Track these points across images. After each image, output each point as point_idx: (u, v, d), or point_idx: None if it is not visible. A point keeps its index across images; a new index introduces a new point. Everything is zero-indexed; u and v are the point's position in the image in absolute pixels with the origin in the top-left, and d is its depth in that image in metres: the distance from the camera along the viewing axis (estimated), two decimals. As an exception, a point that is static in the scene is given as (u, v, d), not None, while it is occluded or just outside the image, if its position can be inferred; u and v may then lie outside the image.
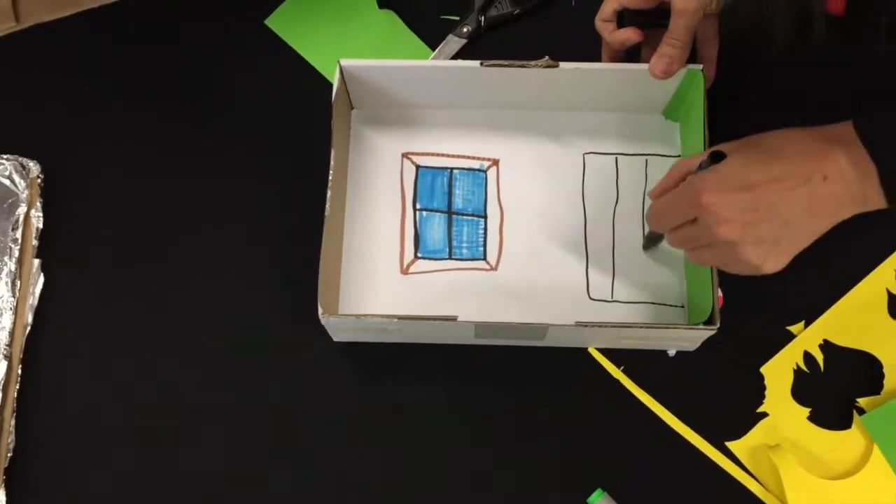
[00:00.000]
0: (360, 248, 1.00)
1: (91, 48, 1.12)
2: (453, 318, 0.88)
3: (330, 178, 0.92)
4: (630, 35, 0.97)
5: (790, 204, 0.77)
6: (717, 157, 0.80)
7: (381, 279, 0.98)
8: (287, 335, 0.97)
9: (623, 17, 0.97)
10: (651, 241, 0.98)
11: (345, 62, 0.96)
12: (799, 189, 0.77)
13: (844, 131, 0.78)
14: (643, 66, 0.94)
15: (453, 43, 1.10)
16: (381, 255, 0.99)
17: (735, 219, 0.77)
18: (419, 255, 1.00)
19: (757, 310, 0.97)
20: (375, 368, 0.96)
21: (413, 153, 1.04)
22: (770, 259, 0.80)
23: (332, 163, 0.93)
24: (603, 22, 0.99)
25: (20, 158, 1.03)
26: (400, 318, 0.88)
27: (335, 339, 0.95)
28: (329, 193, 0.91)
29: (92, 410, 0.96)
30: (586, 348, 0.97)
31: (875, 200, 0.77)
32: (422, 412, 0.95)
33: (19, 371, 0.96)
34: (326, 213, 0.90)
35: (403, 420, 0.95)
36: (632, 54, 1.00)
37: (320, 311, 0.87)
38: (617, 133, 1.04)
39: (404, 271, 0.99)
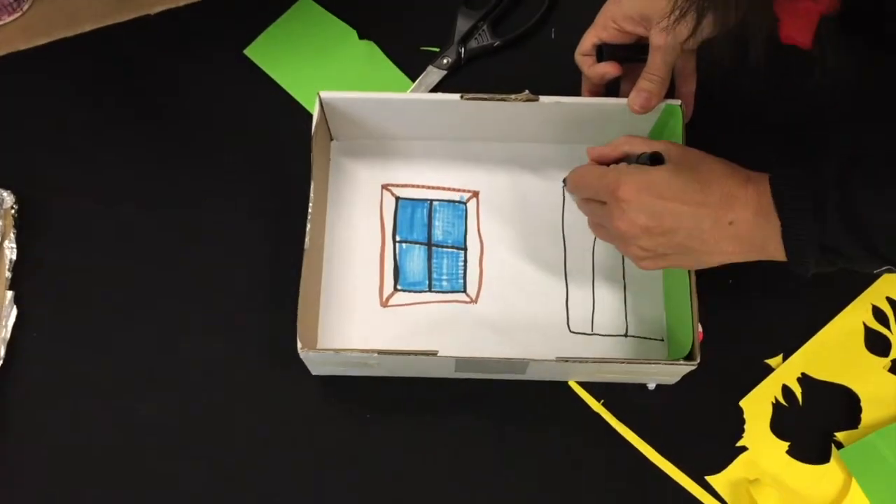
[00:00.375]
0: (339, 280, 0.99)
1: (68, 77, 1.11)
2: (433, 353, 0.88)
3: (310, 211, 0.91)
4: (608, 69, 0.98)
5: (690, 232, 0.82)
6: (655, 158, 0.83)
7: (360, 312, 0.98)
8: (266, 367, 0.96)
9: (602, 52, 0.98)
10: None
11: (324, 94, 0.96)
12: (705, 222, 0.81)
13: (762, 180, 0.80)
14: (622, 101, 0.95)
15: (433, 74, 1.10)
16: (361, 287, 0.99)
17: (637, 221, 0.82)
18: (399, 287, 0.99)
19: (736, 343, 0.97)
20: (354, 401, 0.96)
21: (393, 185, 1.03)
22: (648, 262, 0.87)
23: (311, 195, 0.92)
24: (582, 56, 1.00)
25: (-6, 189, 1.02)
26: (380, 352, 0.88)
27: (314, 372, 0.94)
28: (308, 227, 0.91)
29: (63, 444, 0.95)
30: (567, 381, 0.97)
31: (775, 253, 0.80)
32: (400, 445, 0.94)
33: (-9, 404, 0.95)
34: (305, 247, 0.90)
35: (382, 452, 0.94)
36: (612, 89, 1.01)
37: (299, 345, 0.86)
38: (596, 166, 1.04)
39: (384, 304, 0.98)
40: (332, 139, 1.04)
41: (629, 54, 0.97)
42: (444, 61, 1.10)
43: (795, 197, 0.77)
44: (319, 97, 0.95)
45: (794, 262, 0.79)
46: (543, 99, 0.95)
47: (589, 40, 0.99)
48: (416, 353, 0.89)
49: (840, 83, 0.91)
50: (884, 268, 0.79)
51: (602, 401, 0.96)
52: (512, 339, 0.97)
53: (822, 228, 0.76)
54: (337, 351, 0.89)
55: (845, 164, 0.76)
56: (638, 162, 0.85)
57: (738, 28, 0.75)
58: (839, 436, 0.95)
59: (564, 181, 0.97)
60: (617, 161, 0.90)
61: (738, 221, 0.80)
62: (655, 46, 0.93)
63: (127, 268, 1.01)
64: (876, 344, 0.98)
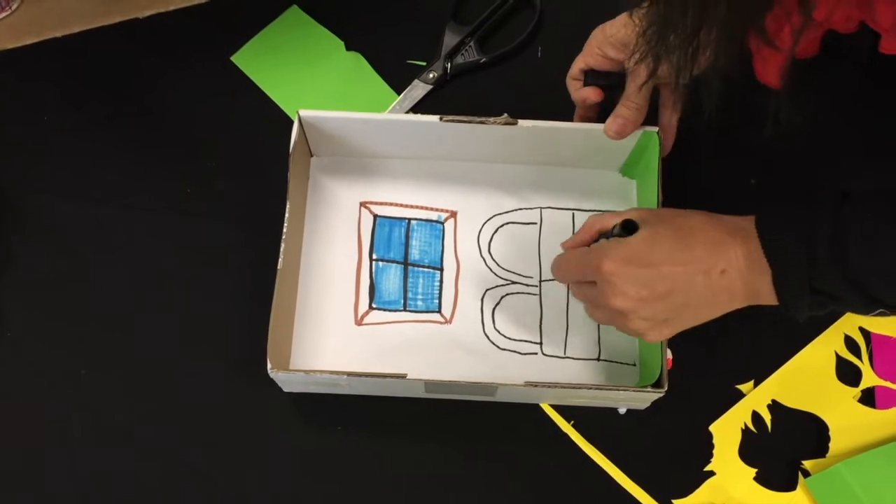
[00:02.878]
0: (314, 297, 0.99)
1: (53, 78, 1.12)
2: (402, 376, 0.89)
3: (284, 230, 0.92)
4: (589, 94, 0.98)
5: (686, 291, 0.80)
6: (628, 226, 0.82)
7: (335, 329, 0.98)
8: (238, 384, 0.97)
9: (587, 77, 0.98)
10: None
11: (304, 113, 0.96)
12: (697, 278, 0.80)
13: (748, 226, 0.79)
14: (599, 126, 0.96)
15: (419, 88, 1.10)
16: (336, 304, 0.99)
17: (630, 293, 0.80)
18: (374, 305, 1.00)
19: (707, 368, 0.98)
20: (325, 420, 0.96)
21: (371, 202, 1.04)
22: (654, 332, 0.84)
23: (286, 215, 0.93)
24: (571, 80, 1.01)
25: (-24, 189, 1.03)
26: (350, 374, 0.88)
27: (285, 389, 0.95)
28: (283, 246, 0.91)
29: (35, 446, 0.95)
30: (538, 403, 0.97)
31: (768, 298, 0.79)
32: (370, 463, 0.95)
33: (-31, 404, 0.95)
34: (279, 266, 0.90)
35: (351, 471, 0.95)
36: (604, 116, 1.00)
37: (269, 366, 0.87)
38: (574, 189, 1.04)
39: (358, 322, 0.99)
40: (311, 155, 1.05)
41: (612, 81, 0.97)
42: (431, 76, 1.10)
43: (786, 244, 0.77)
44: (299, 115, 0.96)
45: (787, 307, 0.79)
46: (522, 123, 0.96)
47: (577, 65, 0.99)
48: (385, 376, 0.89)
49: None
50: (878, 310, 0.78)
51: (572, 422, 0.96)
52: (485, 361, 0.98)
53: (813, 275, 0.75)
54: (307, 372, 0.90)
55: (834, 207, 0.75)
56: (613, 235, 0.84)
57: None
58: (807, 464, 0.95)
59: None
60: (594, 241, 0.89)
61: (729, 270, 0.79)
62: (632, 74, 0.93)
63: (103, 270, 1.02)
64: (847, 373, 0.99)
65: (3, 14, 1.13)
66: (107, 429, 0.96)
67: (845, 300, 0.77)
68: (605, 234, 0.86)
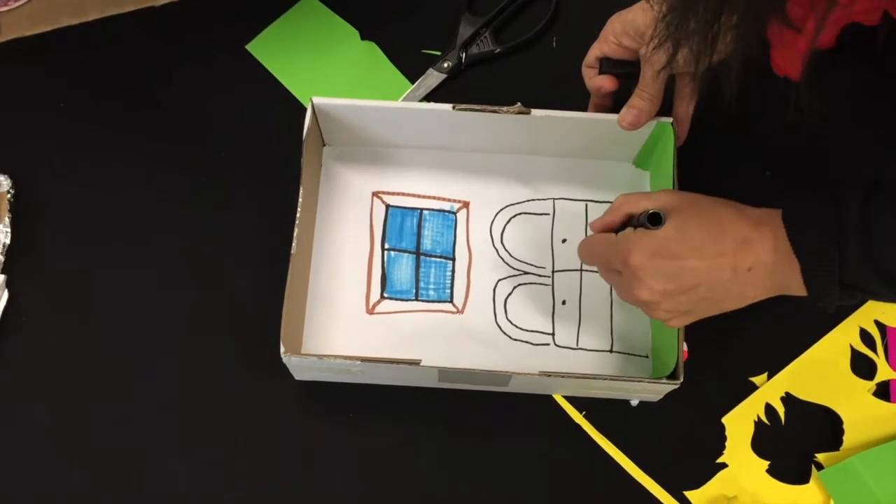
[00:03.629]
0: (326, 285, 0.99)
1: (69, 66, 1.12)
2: (416, 363, 0.88)
3: (297, 216, 0.92)
4: (604, 83, 0.98)
5: (711, 286, 0.80)
6: (654, 219, 0.82)
7: (346, 318, 0.98)
8: (249, 372, 0.97)
9: (602, 65, 0.98)
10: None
11: (317, 100, 0.96)
12: (724, 273, 0.80)
13: (775, 220, 0.79)
14: (613, 117, 0.95)
15: (433, 77, 1.10)
16: (348, 293, 0.99)
17: (655, 287, 0.81)
18: (385, 295, 1.00)
19: (720, 359, 0.98)
20: (337, 408, 0.96)
21: (384, 192, 1.04)
22: (675, 321, 0.86)
23: (300, 200, 0.93)
24: (586, 67, 1.00)
25: (-9, 173, 1.03)
26: (363, 360, 0.88)
27: (297, 377, 0.95)
28: (296, 231, 0.91)
29: (48, 433, 0.96)
30: (550, 394, 0.97)
31: (797, 290, 0.79)
32: (381, 453, 0.95)
33: (-23, 386, 0.96)
34: (293, 252, 0.90)
35: (363, 460, 0.95)
36: (619, 105, 0.99)
37: (282, 350, 0.87)
38: (587, 180, 1.04)
39: (370, 311, 0.99)
40: (324, 144, 1.04)
41: (627, 69, 0.97)
42: (445, 65, 1.10)
43: (815, 239, 0.76)
44: (312, 102, 0.96)
45: (817, 300, 0.78)
46: (535, 112, 0.95)
47: (593, 53, 0.99)
48: (399, 362, 0.89)
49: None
50: None
51: (584, 413, 0.96)
52: (497, 351, 0.97)
53: (844, 269, 0.75)
54: (320, 357, 0.90)
55: (862, 198, 0.74)
56: (639, 223, 0.84)
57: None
58: (820, 457, 0.95)
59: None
60: (622, 224, 0.88)
61: (756, 266, 0.79)
62: (646, 63, 0.93)
63: (118, 257, 1.02)
64: (861, 366, 0.98)
65: (19, 2, 1.13)
66: (119, 415, 0.96)
67: (876, 292, 0.77)
68: (633, 219, 0.86)
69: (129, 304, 1.00)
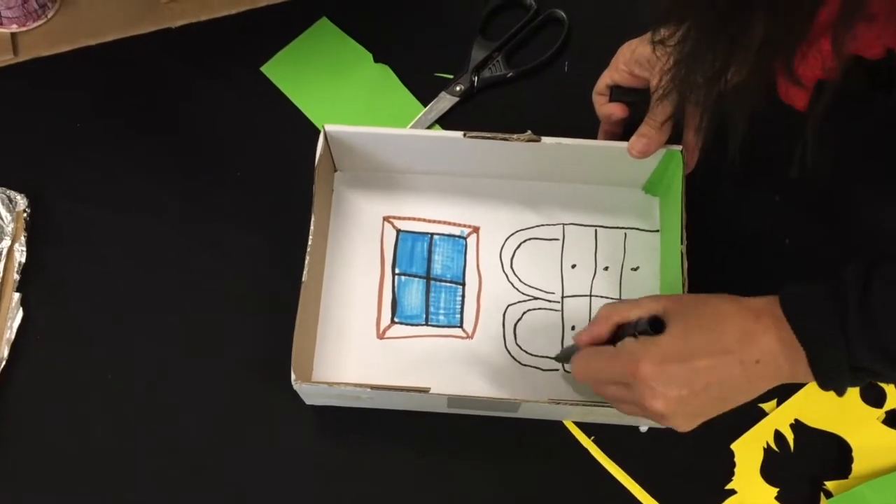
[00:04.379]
0: (337, 310, 1.00)
1: (86, 85, 1.13)
2: (426, 391, 0.89)
3: (309, 244, 0.93)
4: (614, 110, 0.98)
5: (723, 384, 0.79)
6: (655, 324, 0.80)
7: (357, 343, 0.99)
8: (259, 396, 0.97)
9: (613, 92, 0.98)
10: (567, 355, 0.95)
11: (329, 127, 0.97)
12: (734, 369, 0.78)
13: (774, 309, 0.78)
14: (622, 144, 0.96)
15: (445, 101, 1.11)
16: (358, 318, 1.00)
17: (670, 395, 0.78)
18: (396, 319, 1.00)
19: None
20: (347, 433, 0.97)
21: (394, 217, 1.04)
22: (688, 424, 0.83)
23: (311, 228, 0.93)
24: (597, 95, 1.01)
25: (8, 191, 1.04)
26: (373, 387, 0.89)
27: (307, 402, 0.96)
28: (307, 259, 0.92)
29: (62, 448, 0.96)
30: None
31: (804, 377, 0.78)
32: (391, 477, 0.95)
33: (-10, 404, 0.97)
34: (303, 280, 0.91)
35: (372, 484, 0.95)
36: (629, 131, 0.99)
37: (293, 377, 0.88)
38: (597, 205, 1.04)
39: (380, 336, 0.99)
40: (335, 170, 1.05)
41: (637, 97, 0.97)
42: (457, 88, 1.11)
43: (818, 325, 0.76)
44: (324, 130, 0.96)
45: (826, 386, 0.78)
46: (545, 140, 0.96)
47: (603, 81, 1.00)
48: (408, 390, 0.90)
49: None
50: None
51: (593, 437, 0.96)
52: (506, 376, 0.98)
53: (849, 354, 0.74)
54: (331, 384, 0.91)
55: (863, 281, 0.74)
56: (638, 330, 0.82)
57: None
58: (829, 485, 0.95)
59: (556, 357, 0.98)
60: (611, 336, 0.86)
61: (763, 358, 0.78)
62: (657, 101, 0.93)
63: (132, 276, 1.03)
64: (871, 394, 0.98)
65: (39, 22, 1.15)
66: (129, 434, 0.97)
67: (885, 375, 0.76)
68: (626, 327, 0.84)
69: (142, 323, 1.01)
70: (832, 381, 0.77)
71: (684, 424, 0.82)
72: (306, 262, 0.92)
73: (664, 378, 0.78)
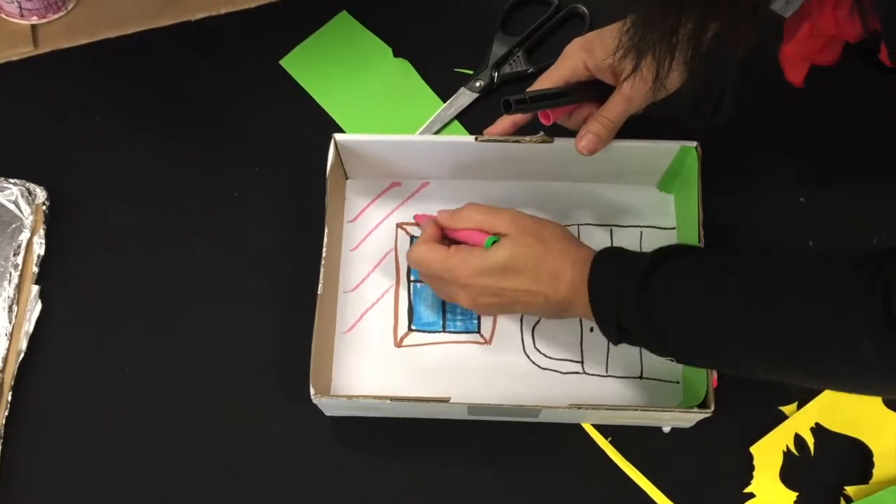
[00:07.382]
0: (353, 319, 1.00)
1: (106, 78, 1.14)
2: (446, 400, 0.89)
3: (323, 255, 0.93)
4: (517, 119, 0.99)
5: (527, 306, 0.91)
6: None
7: (375, 352, 0.99)
8: (279, 406, 0.98)
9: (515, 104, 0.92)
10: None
11: (339, 137, 0.97)
12: (538, 299, 0.89)
13: (586, 267, 0.87)
14: (636, 143, 0.96)
15: (465, 96, 1.10)
16: (375, 327, 1.00)
17: (480, 301, 0.90)
18: (413, 327, 1.00)
19: (750, 388, 0.95)
20: (367, 442, 0.97)
21: (408, 223, 1.04)
22: (488, 315, 1.00)
23: (325, 240, 0.94)
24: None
25: (27, 184, 1.05)
26: (392, 399, 0.90)
27: (327, 413, 0.96)
28: (322, 271, 0.92)
29: (78, 440, 0.97)
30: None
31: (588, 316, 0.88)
32: (411, 483, 0.96)
33: (9, 398, 0.97)
34: (319, 292, 0.91)
35: (393, 492, 0.96)
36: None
37: (312, 392, 0.88)
38: (612, 205, 1.04)
39: (398, 344, 0.99)
40: (347, 178, 1.05)
41: (551, 102, 0.95)
42: (477, 84, 1.10)
43: (604, 292, 0.85)
44: (334, 140, 0.96)
45: (602, 330, 0.87)
46: (558, 141, 0.95)
47: (553, 80, 0.96)
48: (428, 400, 0.90)
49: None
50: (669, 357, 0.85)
51: (610, 439, 0.96)
52: (526, 381, 0.98)
53: (620, 314, 0.83)
54: (350, 397, 0.91)
55: (656, 261, 0.82)
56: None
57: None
58: (849, 490, 0.94)
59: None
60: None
61: (564, 300, 0.88)
62: (623, 96, 0.92)
63: (151, 270, 1.04)
64: (893, 399, 0.97)
65: (59, 14, 1.15)
66: (146, 428, 0.98)
67: (647, 342, 0.85)
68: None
69: (161, 318, 1.02)
70: (604, 327, 0.86)
71: (484, 315, 1.00)
72: (321, 273, 0.92)
73: (478, 288, 0.90)
